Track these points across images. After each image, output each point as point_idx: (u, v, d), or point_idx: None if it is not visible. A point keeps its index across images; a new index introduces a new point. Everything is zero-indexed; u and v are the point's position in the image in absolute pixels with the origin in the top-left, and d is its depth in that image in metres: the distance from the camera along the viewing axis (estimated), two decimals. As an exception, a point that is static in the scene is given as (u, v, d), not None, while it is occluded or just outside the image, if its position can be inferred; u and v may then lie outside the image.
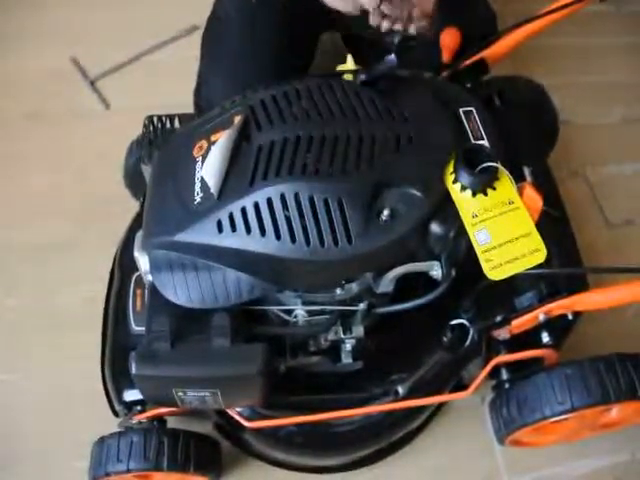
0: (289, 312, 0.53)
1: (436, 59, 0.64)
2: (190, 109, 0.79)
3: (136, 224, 0.74)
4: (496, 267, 0.45)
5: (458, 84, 0.60)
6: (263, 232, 0.45)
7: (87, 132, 0.96)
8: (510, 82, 0.73)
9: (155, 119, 0.65)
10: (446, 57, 0.66)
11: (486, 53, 0.64)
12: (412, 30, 0.51)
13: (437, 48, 0.64)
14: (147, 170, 0.60)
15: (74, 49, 1.05)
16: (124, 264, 0.70)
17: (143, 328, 0.62)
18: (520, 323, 0.57)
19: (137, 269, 0.67)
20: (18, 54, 1.06)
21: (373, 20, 0.50)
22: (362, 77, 0.50)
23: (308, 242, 0.45)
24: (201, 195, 0.47)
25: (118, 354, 0.63)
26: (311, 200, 0.45)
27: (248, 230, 0.46)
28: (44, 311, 0.80)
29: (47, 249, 0.84)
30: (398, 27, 0.50)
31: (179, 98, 0.87)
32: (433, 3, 0.48)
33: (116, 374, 0.63)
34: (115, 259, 0.73)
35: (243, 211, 0.46)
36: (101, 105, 0.98)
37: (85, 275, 0.82)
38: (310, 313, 0.53)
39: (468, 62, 0.64)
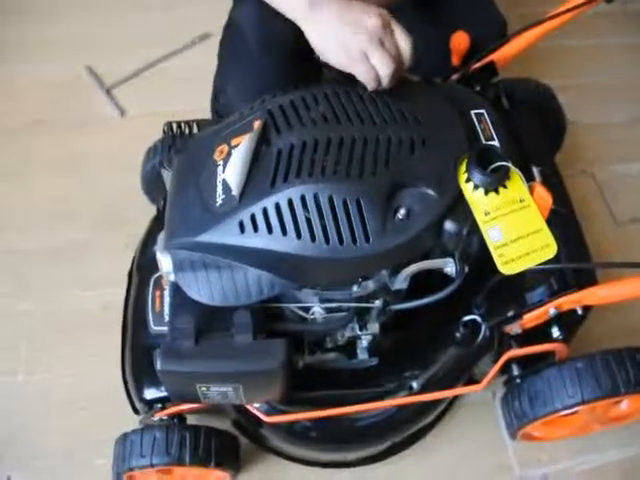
0: (307, 309, 0.55)
1: (445, 64, 0.66)
2: (204, 115, 0.81)
3: (154, 227, 0.76)
4: (509, 262, 0.46)
5: (468, 87, 0.62)
6: (284, 232, 0.47)
7: (103, 139, 0.99)
8: (518, 84, 0.76)
9: (174, 125, 0.68)
10: (456, 60, 0.68)
11: (495, 56, 0.66)
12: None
13: (447, 52, 0.66)
14: (167, 174, 0.61)
15: (90, 58, 1.08)
16: (143, 266, 0.72)
17: (162, 328, 0.66)
18: (531, 318, 0.58)
19: (156, 271, 0.70)
20: (34, 63, 1.09)
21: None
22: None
23: (327, 241, 0.47)
24: (223, 197, 0.49)
25: (138, 354, 0.65)
26: (330, 201, 0.47)
27: (269, 230, 0.48)
28: (61, 315, 0.82)
29: (63, 253, 0.87)
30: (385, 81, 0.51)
31: (193, 104, 0.89)
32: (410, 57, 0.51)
33: (136, 373, 0.65)
34: (134, 261, 0.75)
35: (264, 212, 0.48)
36: (117, 112, 1.01)
37: (101, 279, 0.84)
38: (327, 310, 0.55)
39: (477, 65, 0.66)
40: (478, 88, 0.65)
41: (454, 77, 0.65)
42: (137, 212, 0.85)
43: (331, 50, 0.49)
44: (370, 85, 0.50)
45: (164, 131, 0.68)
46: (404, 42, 0.49)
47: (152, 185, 0.78)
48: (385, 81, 0.49)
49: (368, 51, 0.48)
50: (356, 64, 0.49)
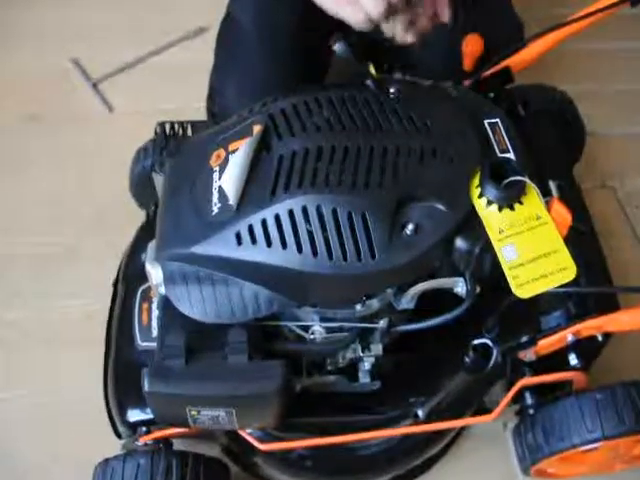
0: (306, 329, 0.56)
1: (457, 69, 0.67)
2: (198, 115, 0.82)
3: (143, 234, 0.77)
4: (523, 284, 0.47)
5: (481, 94, 0.63)
6: (284, 245, 0.48)
7: (89, 136, 1.00)
8: (534, 91, 0.77)
9: (167, 126, 0.69)
10: (468, 65, 0.69)
11: (511, 61, 0.67)
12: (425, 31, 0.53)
13: (458, 55, 0.68)
14: (158, 179, 0.62)
15: (75, 49, 1.10)
16: (129, 276, 0.73)
17: (149, 344, 0.66)
18: (547, 344, 0.58)
19: (143, 282, 0.71)
20: (16, 54, 1.10)
21: (387, 30, 0.53)
22: (392, 90, 0.53)
23: (330, 256, 0.48)
24: (219, 206, 0.50)
25: (122, 371, 0.66)
26: (334, 213, 0.48)
27: (268, 243, 0.48)
28: (43, 326, 0.83)
29: (45, 259, 0.88)
30: (412, 35, 0.53)
31: (186, 103, 0.91)
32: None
33: (120, 392, 0.65)
34: (119, 271, 0.76)
35: (263, 223, 0.48)
36: (104, 108, 1.02)
37: (85, 287, 0.85)
38: (328, 330, 0.55)
39: (491, 70, 0.67)
40: (492, 95, 0.66)
41: (466, 83, 0.66)
42: (126, 217, 0.86)
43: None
44: (359, 26, 0.51)
45: (156, 132, 0.68)
46: None
47: (141, 189, 0.79)
48: (375, 17, 0.48)
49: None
50: (342, 7, 0.48)
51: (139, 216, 0.81)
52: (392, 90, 0.54)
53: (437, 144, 0.51)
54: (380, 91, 0.55)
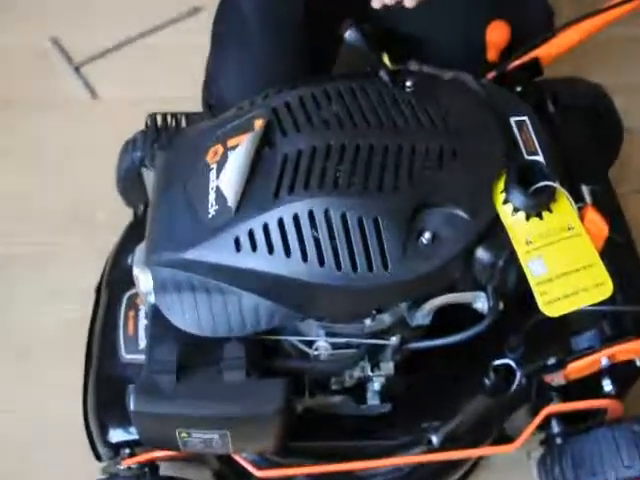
0: (310, 344, 0.57)
1: (479, 58, 0.68)
2: (192, 105, 0.83)
3: (130, 235, 0.78)
4: (552, 302, 0.48)
5: (507, 88, 0.64)
6: (287, 253, 0.49)
7: (70, 125, 1.01)
8: (566, 84, 0.77)
9: (159, 117, 0.70)
10: (492, 56, 0.70)
11: (540, 52, 0.67)
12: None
13: (482, 45, 0.68)
14: (149, 175, 0.63)
15: (55, 28, 1.10)
16: (114, 281, 0.74)
17: (135, 356, 0.67)
18: (578, 367, 0.58)
19: (130, 287, 0.72)
20: (-12, 33, 1.12)
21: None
22: (408, 83, 0.54)
23: (339, 266, 0.48)
24: (216, 207, 0.51)
25: (104, 386, 0.66)
26: (343, 219, 0.48)
27: (270, 250, 0.49)
28: (13, 335, 0.83)
29: (20, 261, 0.88)
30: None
31: (179, 91, 0.91)
32: None
33: (101, 410, 0.65)
34: (103, 275, 0.77)
35: (265, 228, 0.49)
36: (87, 94, 1.03)
37: (65, 292, 0.85)
38: (334, 346, 0.56)
39: (519, 62, 0.67)
40: (518, 89, 0.66)
41: (490, 75, 0.67)
42: (110, 215, 0.86)
43: None
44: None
45: (147, 124, 0.69)
46: None
47: (129, 185, 0.79)
48: None
49: None
50: None
51: (126, 215, 0.82)
52: (408, 83, 0.55)
53: (457, 144, 0.52)
54: (395, 84, 0.55)
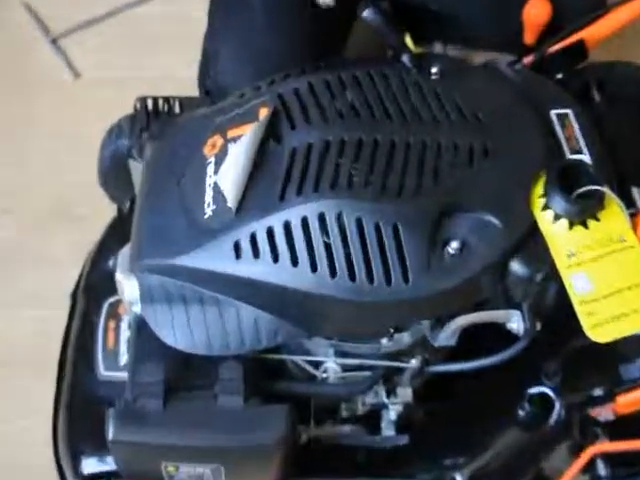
0: (317, 365, 0.57)
1: (515, 40, 0.67)
2: (186, 87, 0.83)
3: (113, 234, 0.78)
4: (600, 325, 0.48)
5: (547, 75, 0.64)
6: (294, 261, 0.49)
7: (46, 106, 1.02)
8: (613, 70, 0.76)
9: (149, 101, 0.70)
10: (530, 38, 0.70)
11: (586, 33, 0.68)
12: None
13: (518, 25, 0.68)
14: (136, 167, 0.64)
15: (31, -5, 1.13)
16: (93, 287, 0.74)
17: (115, 374, 0.67)
18: (629, 401, 0.59)
19: (111, 294, 0.72)
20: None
21: None
22: (434, 69, 0.54)
23: (353, 277, 0.49)
24: (213, 207, 0.51)
25: (78, 408, 0.67)
26: (358, 224, 0.49)
27: (275, 257, 0.49)
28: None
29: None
30: None
31: (170, 69, 0.92)
32: None
33: (74, 435, 0.66)
34: (80, 279, 0.77)
35: (269, 232, 0.50)
36: (66, 72, 1.04)
37: (43, 296, 0.86)
38: (345, 368, 0.56)
39: (561, 45, 0.67)
40: (560, 77, 0.67)
41: (527, 60, 0.67)
42: (91, 209, 0.86)
43: None
44: None
45: (135, 108, 0.69)
46: None
47: (114, 178, 0.79)
48: None
49: None
50: None
51: (109, 211, 0.81)
52: (434, 69, 0.55)
53: (490, 140, 0.52)
54: (419, 70, 0.56)
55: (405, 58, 0.56)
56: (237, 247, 0.50)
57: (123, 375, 0.58)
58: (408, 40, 0.59)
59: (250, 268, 0.50)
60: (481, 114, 0.53)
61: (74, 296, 0.76)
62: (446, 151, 0.51)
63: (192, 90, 0.85)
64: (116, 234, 0.76)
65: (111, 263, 0.74)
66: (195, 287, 0.52)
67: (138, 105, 0.70)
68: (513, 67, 0.62)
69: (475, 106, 0.53)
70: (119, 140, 0.79)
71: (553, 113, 0.55)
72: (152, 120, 0.69)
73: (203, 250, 0.51)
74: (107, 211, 0.83)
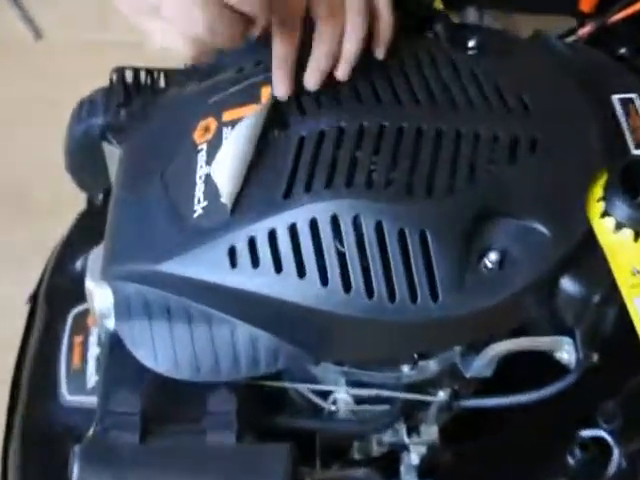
0: (325, 395, 0.57)
1: (569, 6, 0.67)
2: (171, 58, 0.82)
3: (81, 229, 0.79)
4: (670, 357, 0.49)
5: (608, 51, 0.64)
6: (301, 271, 0.49)
7: (8, 74, 1.02)
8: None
9: (128, 73, 0.70)
10: (587, 5, 0.70)
11: (655, 0, 0.68)
12: None
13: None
14: (112, 152, 0.65)
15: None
16: (56, 292, 0.75)
17: (82, 398, 0.68)
18: None
19: (78, 302, 0.72)
20: None
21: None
22: (471, 43, 0.54)
23: (370, 293, 0.49)
24: (205, 204, 0.52)
25: (35, 440, 0.67)
26: (378, 229, 0.49)
27: (278, 267, 0.50)
28: None
29: None
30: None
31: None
32: None
33: (28, 474, 0.66)
34: (41, 282, 0.78)
35: (271, 236, 0.50)
36: (30, 35, 1.05)
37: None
38: (358, 400, 0.57)
39: (623, 14, 0.67)
40: (623, 52, 0.66)
41: (583, 32, 0.67)
42: (55, 198, 0.86)
43: None
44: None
45: (111, 81, 0.70)
46: None
47: (84, 161, 0.79)
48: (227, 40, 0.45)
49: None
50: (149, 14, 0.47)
51: (77, 199, 0.82)
52: (471, 43, 0.55)
53: (538, 131, 0.52)
54: (453, 44, 0.56)
55: (439, 28, 0.56)
56: (232, 253, 0.50)
57: (91, 401, 0.59)
58: (438, 1, 0.58)
59: (248, 278, 0.50)
60: (527, 99, 0.53)
61: (32, 306, 0.77)
62: (485, 143, 0.51)
63: (180, 62, 0.85)
64: (86, 229, 0.77)
65: (79, 265, 0.75)
66: (181, 299, 0.52)
67: (114, 77, 0.71)
68: (566, 40, 0.62)
69: (520, 89, 0.53)
70: (91, 118, 0.79)
71: (615, 98, 0.55)
72: (131, 96, 0.69)
73: (192, 255, 0.51)
74: (71, 200, 0.83)
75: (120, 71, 0.70)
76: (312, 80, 0.53)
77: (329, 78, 0.53)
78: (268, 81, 0.54)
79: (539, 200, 0.50)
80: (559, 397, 0.52)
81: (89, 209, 0.80)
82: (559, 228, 0.50)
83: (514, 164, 0.51)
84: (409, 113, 0.52)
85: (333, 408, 0.57)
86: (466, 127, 0.51)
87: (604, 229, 0.50)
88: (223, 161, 0.53)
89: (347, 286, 0.49)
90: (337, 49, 0.52)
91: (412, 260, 0.49)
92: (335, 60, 0.53)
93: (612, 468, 0.57)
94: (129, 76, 0.71)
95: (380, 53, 0.54)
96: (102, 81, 0.76)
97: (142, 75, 0.69)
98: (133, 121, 0.63)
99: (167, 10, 0.46)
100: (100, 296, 0.54)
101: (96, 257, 0.56)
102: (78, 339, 0.69)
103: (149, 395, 0.53)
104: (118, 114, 0.67)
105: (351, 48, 0.53)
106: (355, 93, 0.53)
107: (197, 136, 0.55)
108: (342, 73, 0.53)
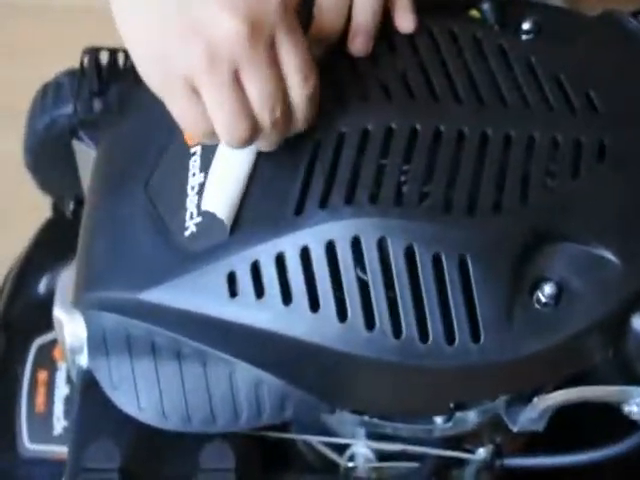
0: (342, 449, 0.58)
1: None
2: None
3: (45, 244, 0.79)
4: None
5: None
6: (314, 304, 0.50)
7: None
8: None
9: (103, 55, 0.70)
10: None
11: None
12: None
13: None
14: (85, 153, 0.66)
15: None
16: (15, 320, 0.76)
17: (46, 448, 0.69)
18: None
19: (41, 331, 0.72)
20: None
21: None
22: (526, 25, 0.54)
23: (398, 332, 0.49)
24: (198, 221, 0.52)
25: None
26: (409, 254, 0.49)
27: (286, 297, 0.50)
28: None
29: None
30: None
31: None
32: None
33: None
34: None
35: (279, 261, 0.50)
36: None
37: None
38: (381, 456, 0.57)
39: None
40: None
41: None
42: (15, 206, 0.87)
43: (139, 53, 0.50)
44: (194, 139, 0.54)
45: (82, 64, 0.70)
46: (296, 73, 0.49)
47: (48, 162, 0.81)
48: (228, 140, 0.50)
49: (197, 82, 0.48)
50: (172, 98, 0.50)
51: (42, 207, 0.83)
52: (526, 25, 0.55)
53: (608, 137, 0.52)
54: (504, 26, 0.56)
55: (485, 6, 0.56)
56: (232, 280, 0.51)
57: (58, 451, 0.60)
58: None
59: (250, 311, 0.51)
60: (595, 95, 0.53)
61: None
62: (541, 150, 0.51)
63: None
64: (51, 245, 0.78)
65: (42, 287, 0.76)
66: (169, 334, 0.53)
67: (86, 59, 0.71)
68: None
69: (586, 82, 0.53)
70: (58, 108, 0.79)
71: None
72: (108, 83, 0.70)
73: (182, 282, 0.52)
74: (35, 210, 0.84)
75: (93, 52, 0.71)
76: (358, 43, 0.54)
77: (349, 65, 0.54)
78: None
79: (608, 221, 0.51)
80: (627, 459, 0.53)
81: (55, 219, 0.81)
82: (632, 256, 0.50)
83: (577, 176, 0.51)
84: (447, 112, 0.52)
85: (350, 465, 0.58)
86: (518, 130, 0.52)
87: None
88: (220, 169, 0.53)
89: (370, 322, 0.49)
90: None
91: (449, 292, 0.49)
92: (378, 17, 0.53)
93: None
94: (105, 58, 0.72)
95: (405, 22, 0.55)
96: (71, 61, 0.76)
97: (120, 57, 0.70)
98: (110, 115, 0.64)
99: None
100: (71, 327, 0.55)
101: (66, 280, 0.57)
102: (42, 375, 0.71)
103: (130, 448, 0.54)
104: (91, 105, 0.68)
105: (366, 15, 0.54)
106: (382, 87, 0.53)
107: (189, 137, 0.55)
108: (359, 46, 0.54)
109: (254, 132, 0.49)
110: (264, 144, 0.51)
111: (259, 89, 0.48)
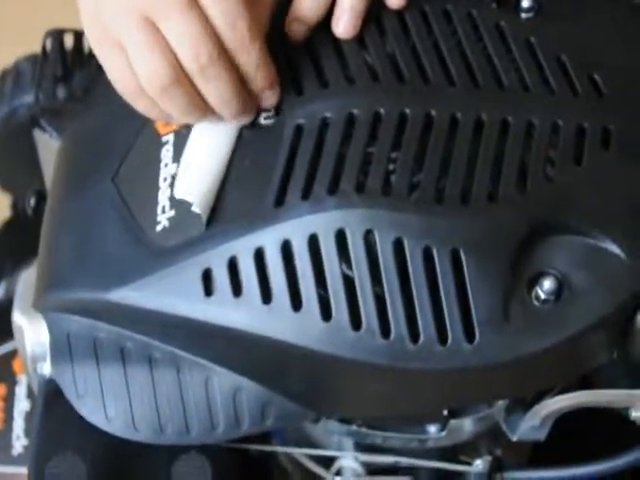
0: (327, 462, 0.58)
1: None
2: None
3: (3, 244, 0.79)
4: None
5: None
6: (296, 303, 0.50)
7: None
8: None
9: (67, 38, 0.71)
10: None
11: None
12: None
13: None
14: (47, 144, 0.66)
15: None
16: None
17: (5, 469, 0.68)
18: None
19: (0, 341, 0.72)
20: None
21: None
22: (525, 3, 0.54)
23: (386, 331, 0.50)
24: (171, 215, 0.53)
25: None
26: (397, 248, 0.50)
27: (265, 296, 0.51)
28: None
29: None
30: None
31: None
32: None
33: None
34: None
35: (258, 256, 0.51)
36: None
37: None
38: (370, 469, 0.58)
39: None
40: None
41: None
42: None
43: (86, 23, 0.54)
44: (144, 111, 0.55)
45: (44, 48, 0.71)
46: (222, 15, 0.51)
47: (7, 154, 0.81)
48: (151, 91, 0.52)
49: (123, 39, 0.51)
50: (103, 54, 0.54)
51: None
52: (526, 3, 0.56)
53: (613, 122, 0.52)
54: (501, 4, 0.56)
55: None
56: (207, 278, 0.52)
57: (18, 473, 0.61)
58: None
59: (227, 311, 0.51)
60: (599, 77, 0.54)
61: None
62: (540, 136, 0.52)
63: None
64: (8, 248, 0.79)
65: (0, 291, 0.76)
66: (139, 337, 0.54)
67: (49, 43, 0.72)
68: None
69: (590, 63, 0.54)
70: (17, 97, 0.81)
71: None
72: (72, 69, 0.71)
73: (154, 281, 0.52)
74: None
75: (56, 35, 0.72)
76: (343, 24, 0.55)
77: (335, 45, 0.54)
78: None
79: (612, 212, 0.51)
80: (636, 469, 0.54)
81: (14, 217, 0.81)
82: (639, 249, 0.50)
83: (579, 165, 0.52)
84: (439, 96, 0.53)
85: (338, 479, 0.58)
86: (515, 115, 0.52)
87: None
88: (194, 158, 0.54)
89: (356, 322, 0.50)
90: None
91: (441, 289, 0.50)
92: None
93: None
94: (69, 42, 0.72)
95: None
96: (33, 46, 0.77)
97: (86, 41, 0.70)
98: (74, 102, 0.65)
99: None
100: (32, 333, 0.55)
101: (26, 282, 0.58)
102: (0, 390, 0.71)
103: (97, 463, 0.54)
104: (54, 92, 0.69)
105: None
106: (369, 69, 0.54)
107: (160, 125, 0.56)
108: (344, 27, 0.55)
109: (178, 81, 0.51)
110: (223, 109, 0.52)
111: (177, 33, 0.50)
